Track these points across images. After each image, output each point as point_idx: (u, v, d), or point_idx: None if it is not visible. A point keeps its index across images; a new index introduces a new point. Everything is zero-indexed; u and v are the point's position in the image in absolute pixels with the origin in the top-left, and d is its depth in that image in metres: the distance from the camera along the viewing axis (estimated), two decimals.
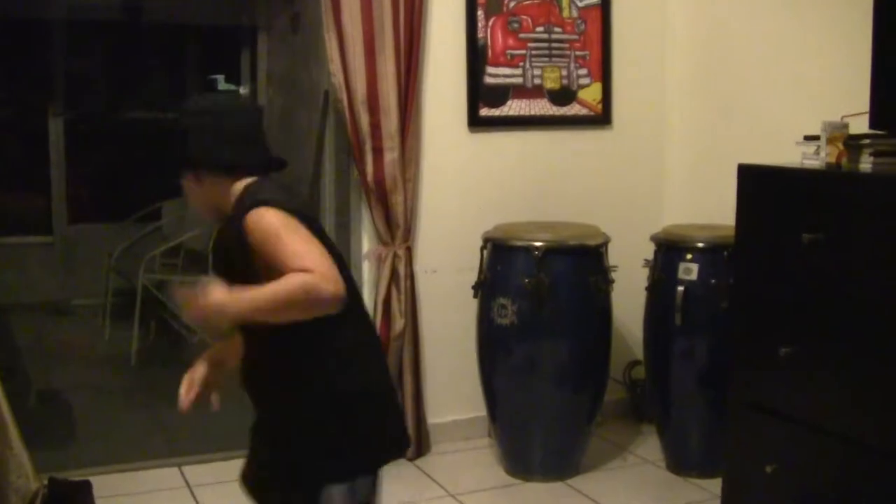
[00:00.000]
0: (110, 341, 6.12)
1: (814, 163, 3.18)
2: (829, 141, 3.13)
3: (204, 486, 3.74)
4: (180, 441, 4.30)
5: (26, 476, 3.16)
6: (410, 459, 4.02)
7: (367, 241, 4.08)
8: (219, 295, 2.10)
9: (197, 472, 3.88)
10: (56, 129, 7.21)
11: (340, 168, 4.25)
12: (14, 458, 3.12)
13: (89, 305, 6.81)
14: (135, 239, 6.50)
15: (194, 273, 6.23)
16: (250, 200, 2.25)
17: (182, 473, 3.86)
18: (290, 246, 2.16)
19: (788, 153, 3.29)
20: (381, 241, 3.98)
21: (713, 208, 3.99)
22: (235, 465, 3.88)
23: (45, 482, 3.35)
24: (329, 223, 4.33)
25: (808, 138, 3.26)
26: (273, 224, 2.18)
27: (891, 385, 2.70)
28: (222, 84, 7.99)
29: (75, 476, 3.61)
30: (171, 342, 6.19)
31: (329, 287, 2.09)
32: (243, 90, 7.57)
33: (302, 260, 2.12)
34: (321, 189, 4.52)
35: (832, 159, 3.11)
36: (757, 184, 3.16)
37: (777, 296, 3.08)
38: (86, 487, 3.54)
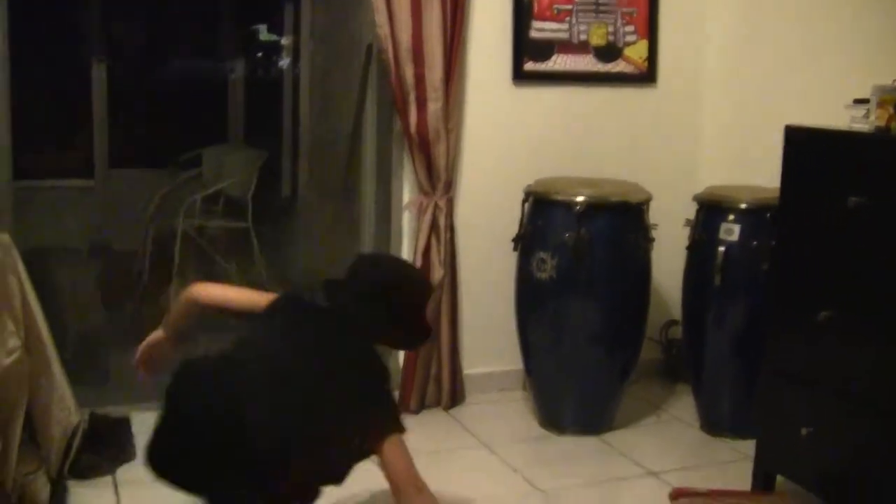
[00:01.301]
0: (150, 285, 6.16)
1: (862, 126, 3.14)
2: (879, 104, 3.08)
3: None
4: None
5: (68, 409, 3.22)
6: (445, 409, 4.07)
7: (407, 192, 4.10)
8: None
9: None
10: (99, 75, 7.22)
11: (382, 120, 4.26)
12: (56, 392, 3.18)
13: (129, 250, 6.86)
14: (175, 185, 6.54)
15: (232, 220, 6.29)
16: None
17: None
18: None
19: (835, 116, 3.26)
20: (423, 191, 3.98)
21: (756, 170, 3.97)
22: None
23: (86, 417, 3.42)
24: (370, 174, 4.34)
25: (857, 101, 3.23)
26: None
27: None
28: (264, 34, 8.00)
29: (114, 412, 3.68)
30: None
31: None
32: (285, 41, 7.57)
33: None
34: (362, 141, 4.53)
35: (881, 123, 3.06)
36: (803, 146, 3.13)
37: (819, 260, 3.06)
38: (124, 422, 3.61)
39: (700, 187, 4.00)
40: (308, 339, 2.51)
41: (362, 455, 2.42)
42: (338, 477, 2.42)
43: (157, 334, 2.88)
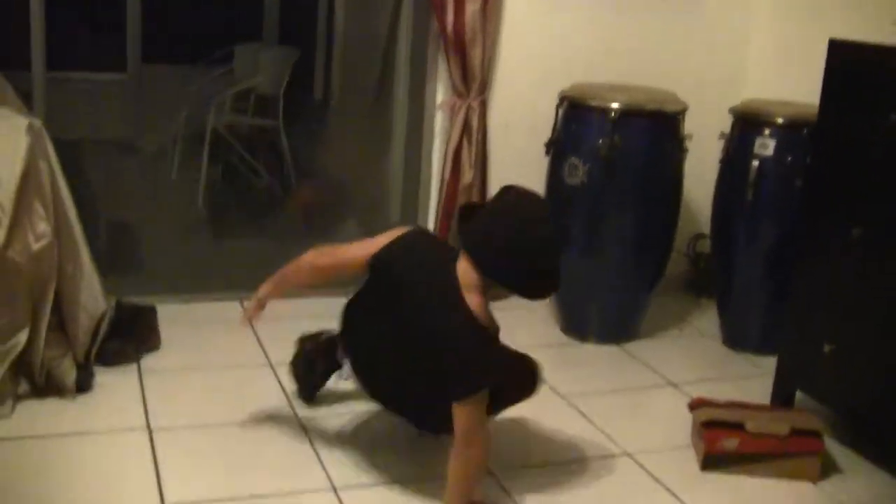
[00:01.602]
0: (179, 181, 6.18)
1: None
2: None
3: (263, 320, 3.77)
4: (241, 277, 4.36)
5: (96, 296, 3.25)
6: None
7: (441, 92, 4.06)
8: None
9: None
10: None
11: (419, 20, 4.20)
12: (84, 279, 3.20)
13: (160, 144, 6.87)
14: (206, 81, 6.51)
15: (262, 118, 6.27)
16: None
17: (242, 307, 3.92)
18: None
19: (880, 32, 3.19)
20: (456, 92, 3.95)
21: (797, 85, 3.90)
22: (292, 303, 4.00)
23: (113, 304, 3.45)
24: (403, 75, 4.30)
25: None
26: None
27: None
28: None
29: (141, 302, 3.71)
30: (238, 183, 6.25)
31: None
32: None
33: None
34: (397, 41, 4.48)
35: None
36: (846, 61, 3.07)
37: (854, 177, 3.03)
38: (150, 311, 3.64)
39: (739, 100, 3.93)
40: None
41: None
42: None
43: (266, 292, 2.94)
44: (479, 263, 2.51)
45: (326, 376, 3.14)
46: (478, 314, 2.50)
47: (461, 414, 2.48)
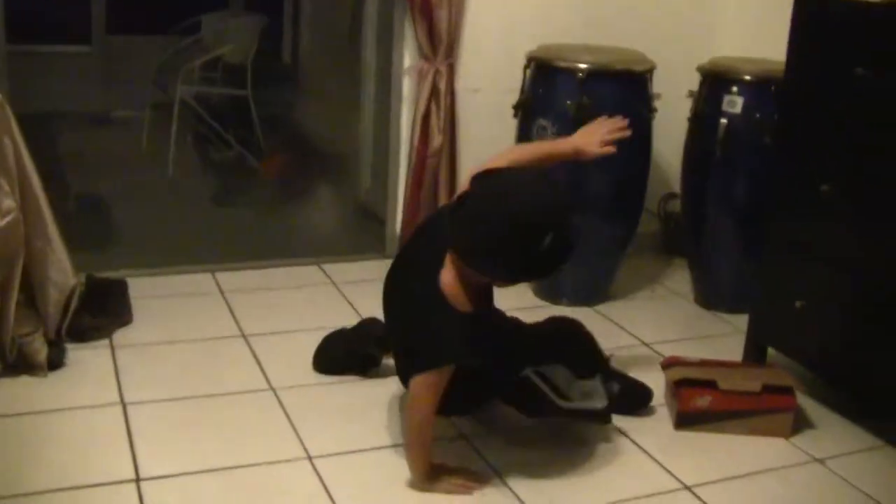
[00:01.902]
0: (148, 152, 6.13)
1: None
2: None
3: (236, 292, 3.80)
4: (214, 249, 4.36)
5: (65, 272, 3.22)
6: None
7: (408, 57, 4.02)
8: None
9: (229, 278, 3.93)
10: None
11: None
12: (54, 254, 3.17)
13: (128, 117, 6.81)
14: (174, 51, 6.44)
15: (231, 87, 6.22)
16: None
17: (215, 279, 3.91)
18: None
19: None
20: (424, 56, 3.91)
21: (764, 42, 3.87)
22: (267, 274, 3.99)
23: (83, 279, 3.43)
24: (370, 39, 4.27)
25: None
26: None
27: None
28: None
29: (112, 276, 3.69)
30: (208, 154, 6.21)
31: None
32: None
33: None
34: (364, 6, 4.44)
35: None
36: (813, 15, 3.05)
37: (823, 132, 3.02)
38: (121, 285, 3.62)
39: (706, 59, 3.92)
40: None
41: None
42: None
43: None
44: (458, 254, 2.44)
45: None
46: (447, 292, 2.43)
47: (413, 382, 2.50)
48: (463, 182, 2.56)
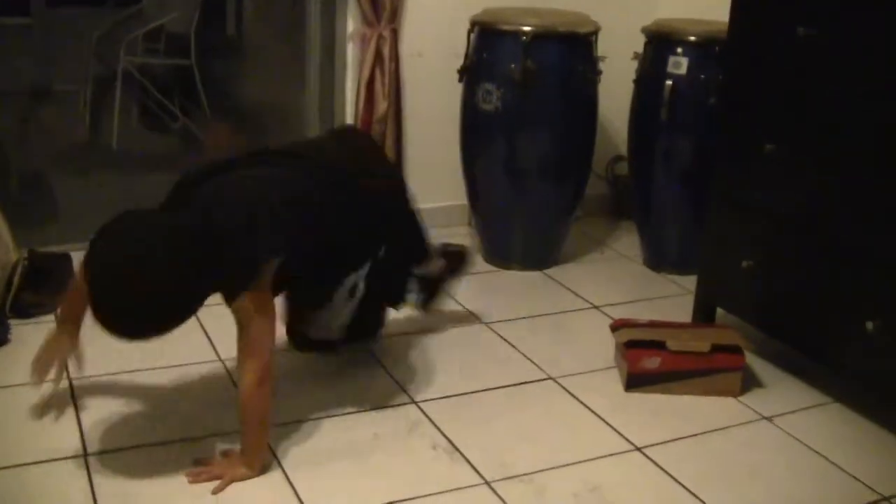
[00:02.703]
0: (91, 125, 6.03)
1: None
2: None
3: None
4: None
5: (6, 247, 3.17)
6: None
7: (351, 22, 3.98)
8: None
9: None
10: None
11: None
12: None
13: (69, 90, 6.69)
14: (116, 21, 6.33)
15: (175, 56, 6.12)
16: None
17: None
18: None
19: None
20: (366, 21, 3.87)
21: (708, 4, 3.87)
22: None
23: (26, 254, 3.37)
24: (314, 5, 4.21)
25: None
26: None
27: (874, 185, 2.68)
28: None
29: (55, 250, 3.62)
30: (152, 126, 6.12)
31: None
32: None
33: None
34: None
35: None
36: None
37: (766, 93, 3.03)
38: (65, 260, 3.56)
39: (651, 20, 3.91)
40: None
41: None
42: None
43: (57, 339, 2.62)
44: None
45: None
46: None
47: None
48: None
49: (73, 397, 2.77)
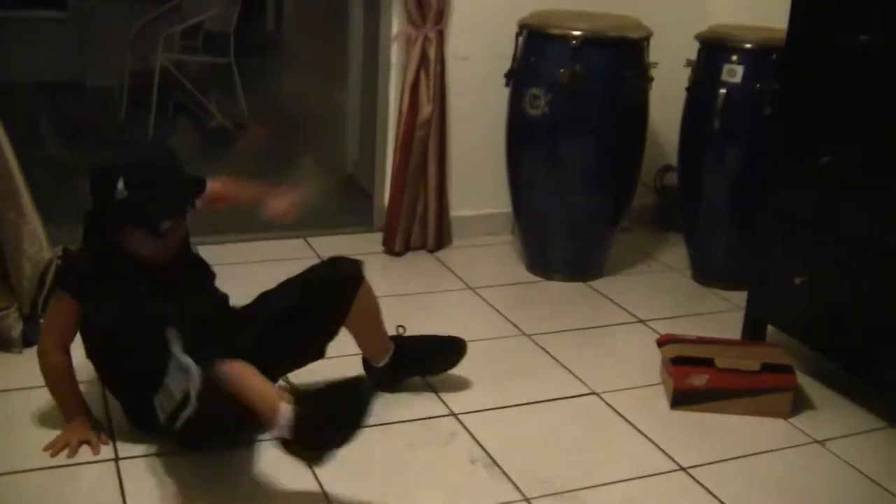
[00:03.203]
0: (127, 121, 6.02)
1: None
2: None
3: (218, 265, 3.67)
4: (195, 221, 4.25)
5: (39, 244, 3.13)
6: (430, 251, 4.00)
7: (396, 23, 3.91)
8: None
9: (211, 251, 3.75)
10: None
11: None
12: (27, 227, 3.08)
13: (105, 85, 6.69)
14: (153, 17, 6.32)
15: (213, 55, 6.10)
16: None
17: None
18: None
19: None
20: (412, 22, 3.80)
21: (764, 9, 3.78)
22: (251, 247, 3.90)
23: (59, 252, 3.33)
24: (357, 4, 4.18)
25: None
26: None
27: None
28: None
29: None
30: (188, 123, 6.11)
31: None
32: None
33: None
34: None
35: None
36: None
37: (824, 102, 2.93)
38: None
39: (705, 26, 3.83)
40: None
41: None
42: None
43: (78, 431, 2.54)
44: None
45: None
46: None
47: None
48: None
49: (105, 397, 2.72)
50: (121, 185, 2.39)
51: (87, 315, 2.47)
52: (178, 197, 2.52)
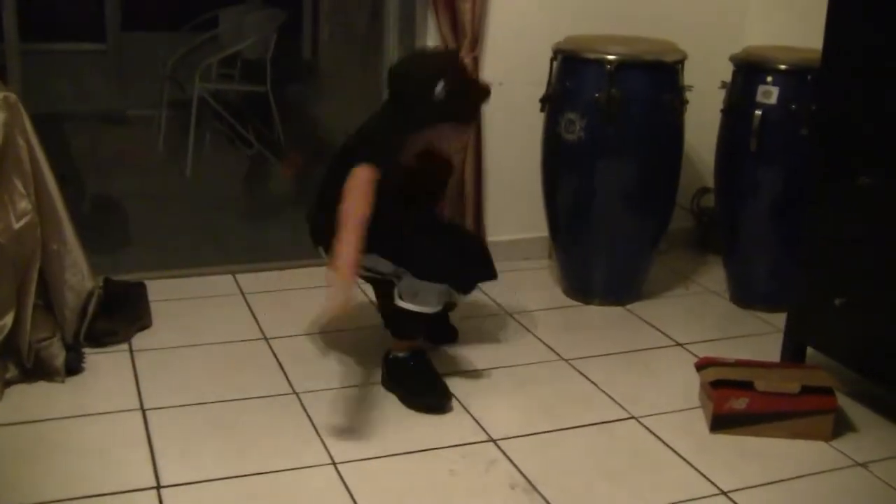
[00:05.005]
0: (165, 151, 6.07)
1: None
2: None
3: (257, 293, 3.73)
4: (233, 249, 4.30)
5: (82, 274, 3.16)
6: None
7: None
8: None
9: (250, 280, 3.86)
10: None
11: None
12: (69, 256, 3.12)
13: (144, 115, 6.75)
14: (191, 47, 6.38)
15: (250, 83, 6.14)
16: None
17: (236, 281, 3.84)
18: None
19: None
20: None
21: (799, 30, 3.78)
22: (287, 275, 3.94)
23: (101, 282, 3.37)
24: (392, 31, 4.19)
25: None
26: None
27: None
28: None
29: (130, 278, 3.62)
30: (227, 152, 6.15)
31: None
32: None
33: None
34: None
35: None
36: (852, 1, 2.95)
37: (862, 122, 2.92)
38: (140, 288, 3.55)
39: (740, 48, 3.82)
40: None
41: None
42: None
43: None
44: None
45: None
46: None
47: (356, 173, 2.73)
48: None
49: (147, 428, 2.74)
50: (440, 87, 2.77)
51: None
52: (479, 102, 3.13)
